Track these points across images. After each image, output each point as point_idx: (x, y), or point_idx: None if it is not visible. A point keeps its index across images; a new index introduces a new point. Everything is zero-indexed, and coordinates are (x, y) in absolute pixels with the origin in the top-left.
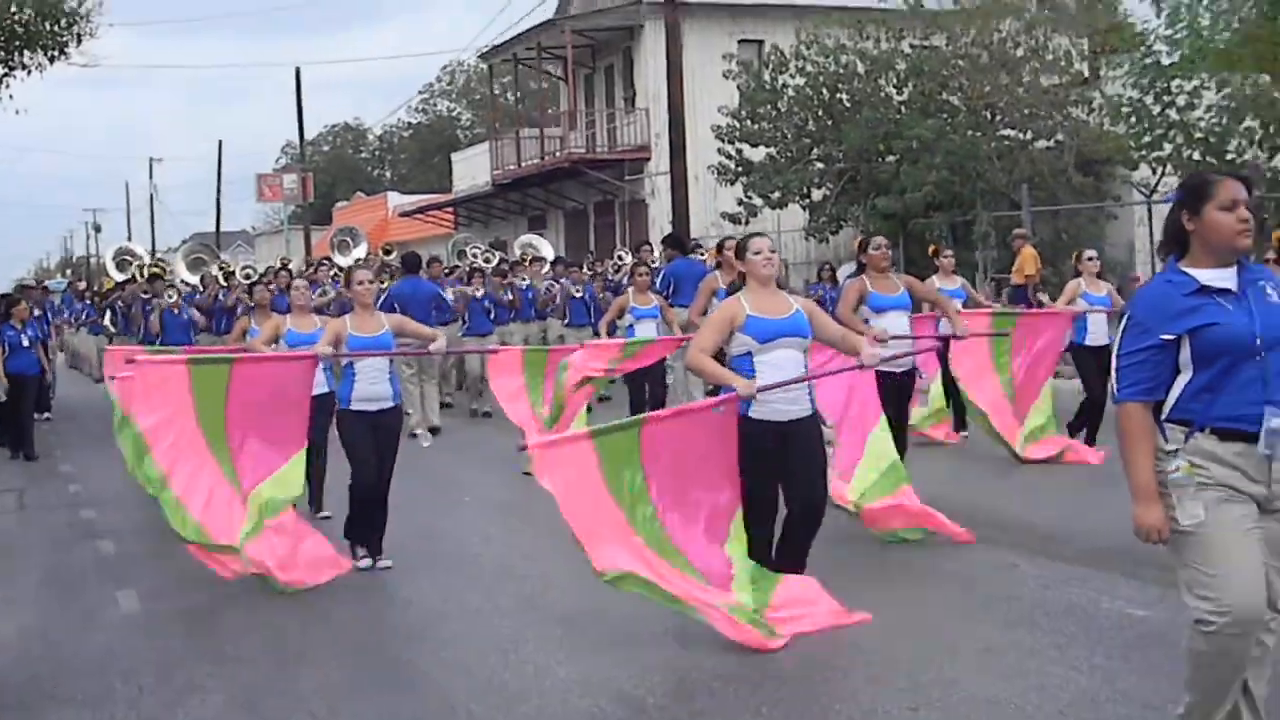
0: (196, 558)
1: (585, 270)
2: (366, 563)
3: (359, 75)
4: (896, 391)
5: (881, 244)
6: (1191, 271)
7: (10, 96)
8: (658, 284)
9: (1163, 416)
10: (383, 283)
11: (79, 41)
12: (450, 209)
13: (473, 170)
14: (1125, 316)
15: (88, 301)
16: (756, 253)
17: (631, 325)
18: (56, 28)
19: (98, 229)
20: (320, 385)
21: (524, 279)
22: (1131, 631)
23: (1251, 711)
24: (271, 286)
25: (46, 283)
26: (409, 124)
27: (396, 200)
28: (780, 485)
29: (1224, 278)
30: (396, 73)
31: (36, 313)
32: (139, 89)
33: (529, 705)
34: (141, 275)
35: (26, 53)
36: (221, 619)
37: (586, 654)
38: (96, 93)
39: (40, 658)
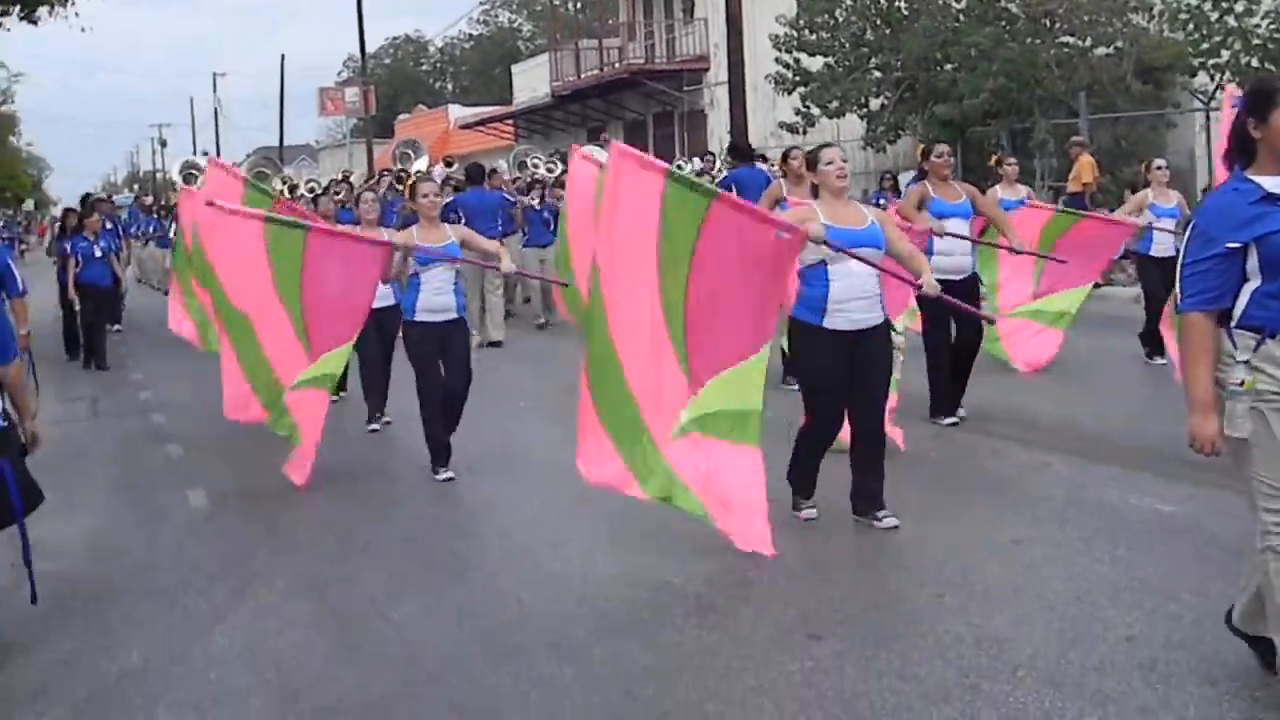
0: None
1: None
2: (447, 475)
3: None
4: (962, 297)
5: (944, 151)
6: (1258, 179)
7: (76, 14)
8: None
9: (1232, 324)
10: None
11: None
12: (510, 121)
13: (533, 82)
14: (1190, 226)
15: (155, 216)
16: (829, 163)
17: None
18: None
19: (163, 144)
20: (386, 298)
21: None
22: (1159, 526)
23: None
24: (338, 198)
25: (114, 198)
26: (470, 36)
27: (458, 113)
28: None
29: None
30: None
31: (108, 225)
32: (197, 4)
33: (574, 594)
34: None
35: None
36: (286, 515)
37: (632, 550)
38: (156, 10)
39: (114, 555)
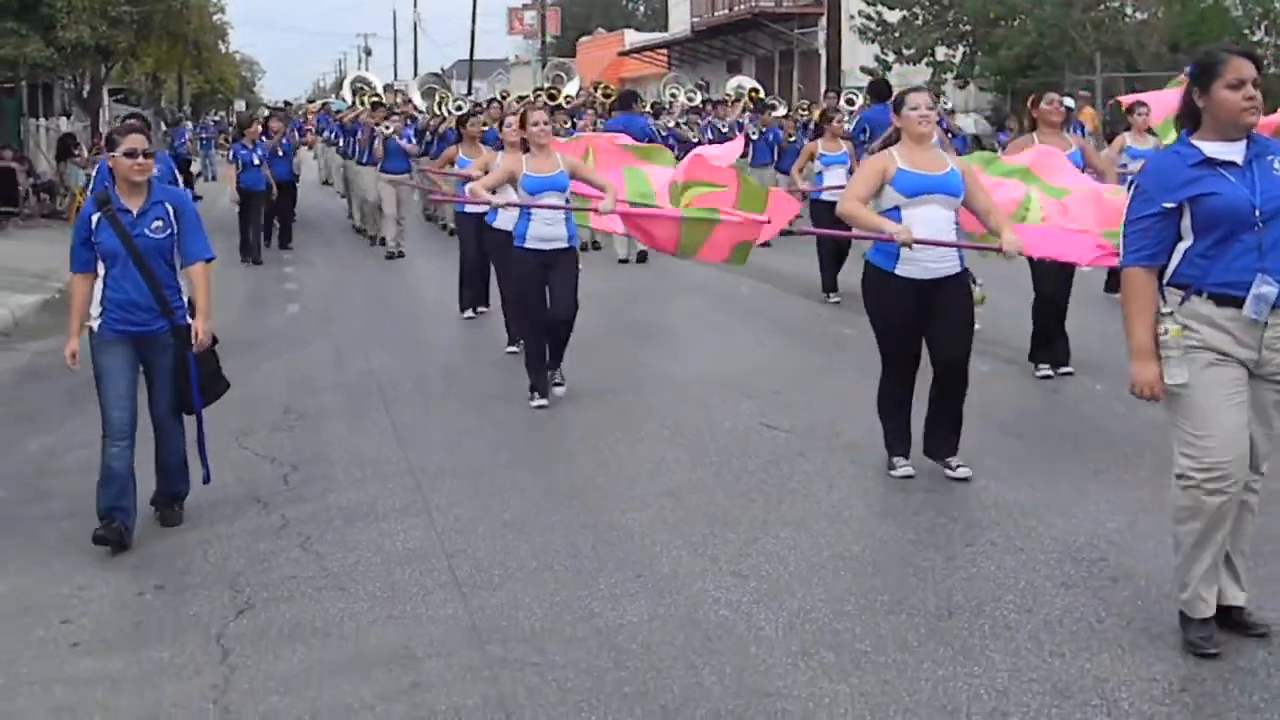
0: None
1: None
2: (541, 402)
3: None
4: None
5: (1054, 99)
6: (1199, 144)
7: None
8: (854, 130)
9: (1164, 280)
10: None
11: None
12: (664, 49)
13: (682, 14)
14: (1133, 185)
15: (340, 124)
16: (913, 108)
17: (820, 172)
18: None
19: (368, 53)
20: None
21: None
22: None
23: (1233, 579)
24: (480, 119)
25: (329, 101)
26: None
27: (632, 38)
28: (926, 343)
29: (1230, 151)
30: None
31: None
32: None
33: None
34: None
35: None
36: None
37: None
38: None
39: None
